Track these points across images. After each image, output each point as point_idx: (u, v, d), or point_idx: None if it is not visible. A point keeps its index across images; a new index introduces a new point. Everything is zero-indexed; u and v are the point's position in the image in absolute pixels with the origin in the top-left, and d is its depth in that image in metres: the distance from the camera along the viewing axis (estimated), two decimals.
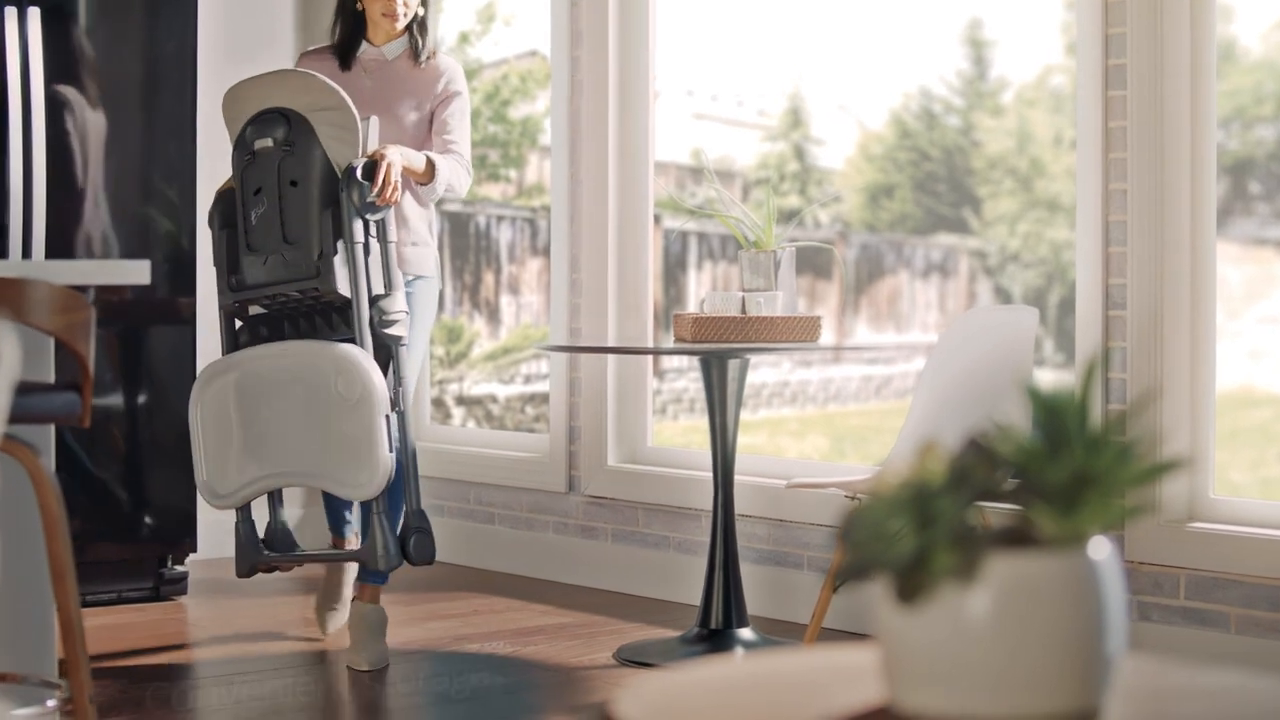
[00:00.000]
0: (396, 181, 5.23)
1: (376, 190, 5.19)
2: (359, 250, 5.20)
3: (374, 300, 5.23)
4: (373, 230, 5.25)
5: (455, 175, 5.58)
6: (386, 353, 5.30)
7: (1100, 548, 1.66)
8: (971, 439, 1.66)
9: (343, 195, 5.20)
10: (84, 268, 3.77)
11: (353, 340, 5.24)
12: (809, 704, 1.69)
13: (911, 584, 1.62)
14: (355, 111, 5.26)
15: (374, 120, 5.34)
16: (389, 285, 5.26)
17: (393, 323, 5.25)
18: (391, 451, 5.12)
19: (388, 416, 5.12)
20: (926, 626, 1.63)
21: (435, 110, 5.67)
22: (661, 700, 1.69)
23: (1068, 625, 1.63)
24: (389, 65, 5.72)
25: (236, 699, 4.91)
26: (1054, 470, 1.63)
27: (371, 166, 5.22)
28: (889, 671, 1.67)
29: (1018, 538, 1.68)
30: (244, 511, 5.32)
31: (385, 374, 5.26)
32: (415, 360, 5.49)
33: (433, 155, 5.51)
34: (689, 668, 1.83)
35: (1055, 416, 1.64)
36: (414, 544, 5.26)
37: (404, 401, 5.29)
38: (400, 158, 5.31)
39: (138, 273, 3.73)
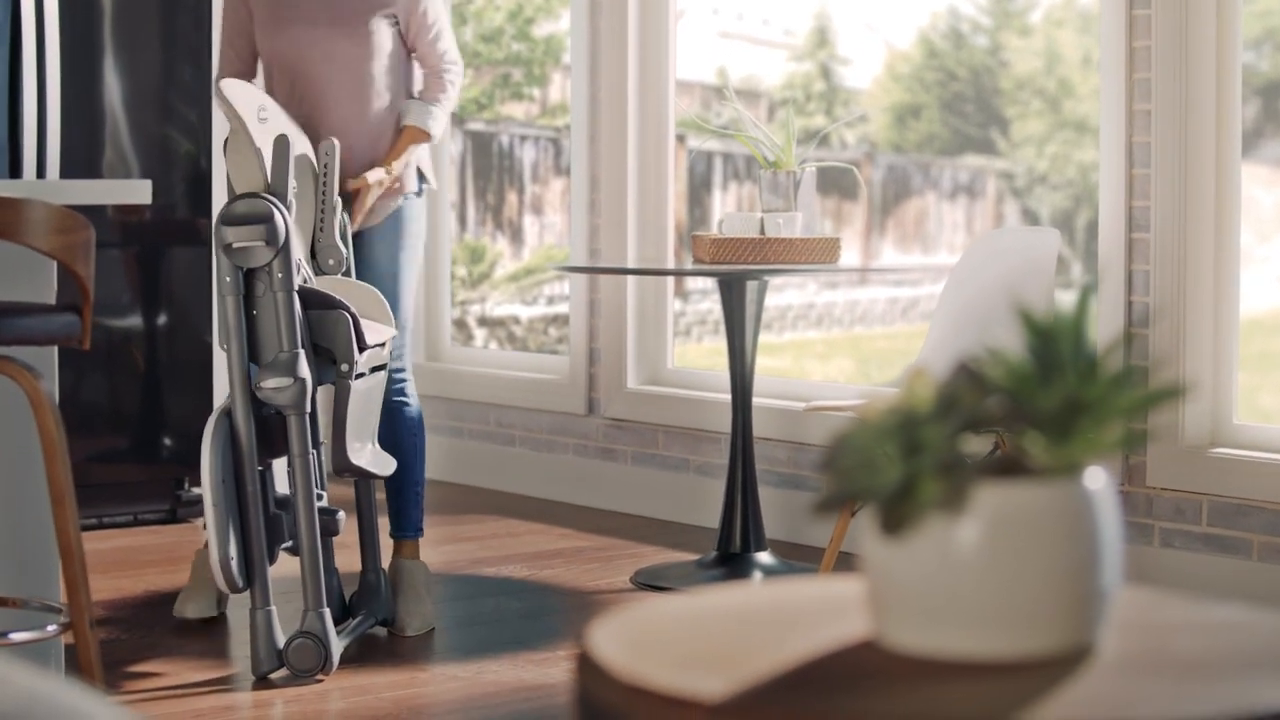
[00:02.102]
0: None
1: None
2: (219, 304, 4.47)
3: (267, 362, 4.45)
4: (273, 278, 4.44)
5: (449, 110, 5.04)
6: (272, 428, 4.55)
7: (1095, 477, 1.60)
8: (962, 364, 1.60)
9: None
10: (84, 187, 3.71)
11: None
12: (789, 638, 1.63)
13: (897, 515, 1.56)
14: (249, 133, 4.49)
15: (289, 142, 4.54)
16: (290, 344, 4.44)
17: (272, 391, 4.42)
18: (224, 553, 4.34)
19: (216, 508, 4.32)
20: (912, 559, 1.57)
21: (409, 22, 4.99)
22: (637, 634, 1.64)
23: (1060, 558, 1.57)
24: None
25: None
26: (1046, 397, 1.57)
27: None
28: (874, 606, 1.61)
29: (1009, 467, 1.62)
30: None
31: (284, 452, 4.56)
32: (406, 301, 5.00)
33: (418, 122, 4.92)
34: (669, 599, 1.78)
35: (1049, 341, 1.58)
36: (293, 650, 4.42)
37: (302, 485, 4.47)
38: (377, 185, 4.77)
39: (139, 192, 3.67)
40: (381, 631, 4.91)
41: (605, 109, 6.84)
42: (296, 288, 4.49)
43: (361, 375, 4.64)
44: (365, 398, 4.69)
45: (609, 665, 1.54)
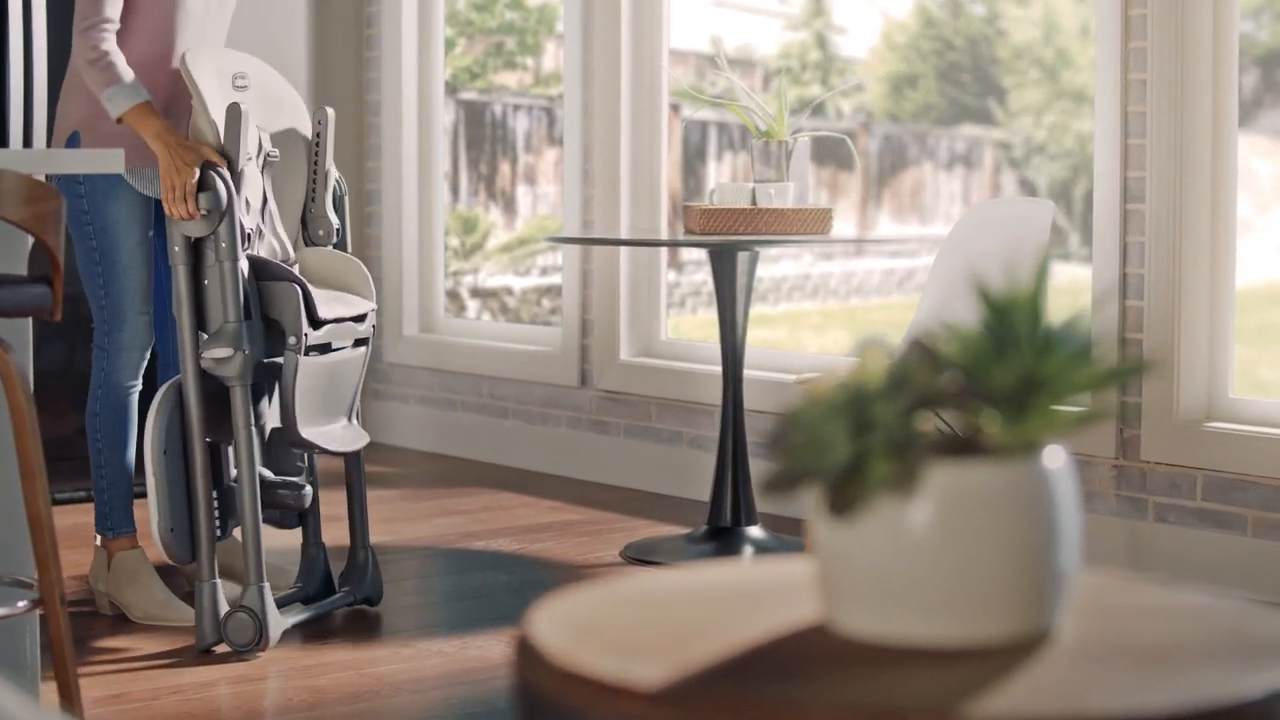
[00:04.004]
0: (176, 193, 4.41)
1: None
2: (173, 274, 4.43)
3: (212, 333, 4.40)
4: (218, 248, 4.39)
5: None
6: (222, 397, 4.50)
7: (1053, 456, 1.55)
8: (915, 339, 1.55)
9: None
10: (54, 156, 3.66)
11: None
12: (737, 622, 1.58)
13: (846, 495, 1.51)
14: (202, 96, 4.46)
15: (241, 110, 4.48)
16: (235, 315, 4.37)
17: (214, 361, 4.38)
18: (164, 525, 4.37)
19: (157, 479, 4.34)
20: (862, 541, 1.52)
21: None
22: (581, 617, 1.59)
23: (1016, 540, 1.52)
24: None
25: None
26: (1001, 373, 1.51)
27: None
28: (825, 589, 1.56)
29: (963, 446, 1.56)
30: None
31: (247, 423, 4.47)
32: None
33: None
34: (615, 582, 1.73)
35: (1004, 316, 1.52)
36: (230, 623, 4.35)
37: (245, 458, 4.41)
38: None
39: (112, 161, 3.62)
40: (366, 608, 4.87)
41: (599, 78, 6.79)
42: (245, 257, 4.44)
43: (328, 348, 4.60)
44: (330, 372, 4.61)
45: (546, 650, 1.49)
